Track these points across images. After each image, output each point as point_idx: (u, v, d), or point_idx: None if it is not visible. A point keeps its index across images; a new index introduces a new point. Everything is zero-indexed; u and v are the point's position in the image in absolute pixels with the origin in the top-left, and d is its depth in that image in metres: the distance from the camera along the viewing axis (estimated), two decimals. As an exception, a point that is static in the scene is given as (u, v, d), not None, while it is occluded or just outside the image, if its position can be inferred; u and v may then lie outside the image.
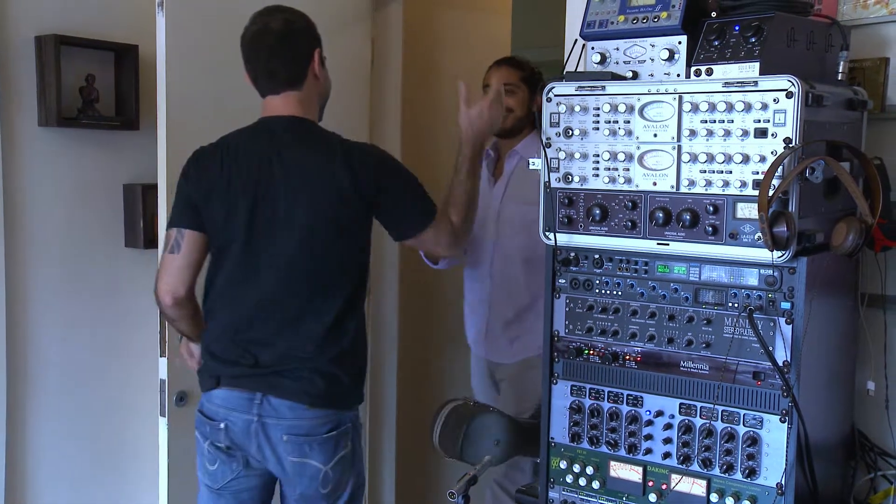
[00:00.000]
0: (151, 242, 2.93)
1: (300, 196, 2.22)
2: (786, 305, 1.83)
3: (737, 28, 1.86)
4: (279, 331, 2.26)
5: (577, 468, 2.10)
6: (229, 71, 2.77)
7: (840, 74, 2.03)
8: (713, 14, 1.92)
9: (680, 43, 1.93)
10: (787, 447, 1.84)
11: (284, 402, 2.21)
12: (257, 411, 2.21)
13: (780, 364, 1.83)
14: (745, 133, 1.80)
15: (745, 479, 1.89)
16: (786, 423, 1.84)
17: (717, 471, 1.92)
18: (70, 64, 2.79)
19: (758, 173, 1.79)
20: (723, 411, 1.91)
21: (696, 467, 1.95)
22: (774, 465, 1.86)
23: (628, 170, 1.96)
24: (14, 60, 2.71)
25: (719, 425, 1.92)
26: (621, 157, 1.96)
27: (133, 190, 2.97)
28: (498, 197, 3.04)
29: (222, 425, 2.24)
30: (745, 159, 1.81)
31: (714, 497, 1.92)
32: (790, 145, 1.75)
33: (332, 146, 2.26)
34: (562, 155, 2.04)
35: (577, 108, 2.00)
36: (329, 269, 2.27)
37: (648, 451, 2.01)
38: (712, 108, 1.83)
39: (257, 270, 2.25)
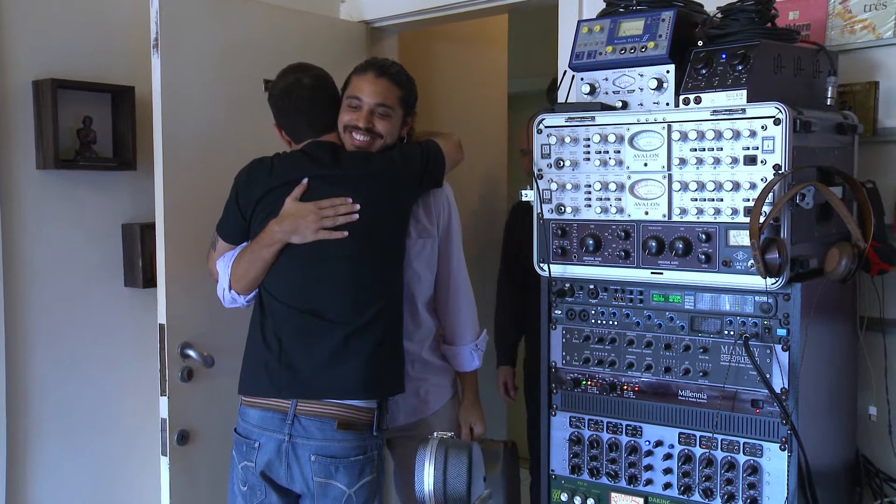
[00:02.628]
0: (150, 282, 2.93)
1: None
2: (781, 332, 1.82)
3: (723, 56, 1.87)
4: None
5: (578, 500, 2.08)
6: (224, 110, 2.80)
7: (829, 99, 2.03)
8: (700, 43, 1.93)
9: (668, 72, 1.94)
10: (787, 475, 1.82)
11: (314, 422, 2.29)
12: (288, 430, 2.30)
13: (778, 391, 1.81)
14: (735, 160, 1.81)
15: (747, 509, 1.87)
16: (786, 451, 1.82)
17: (718, 501, 1.90)
18: (67, 106, 2.80)
19: (749, 200, 1.79)
20: (722, 440, 1.90)
21: (697, 497, 1.93)
22: (776, 494, 1.84)
23: (620, 199, 1.96)
24: (12, 105, 2.73)
25: (719, 454, 1.90)
26: (613, 186, 1.96)
27: (131, 230, 2.97)
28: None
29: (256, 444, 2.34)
30: (736, 186, 1.81)
31: (716, 528, 1.90)
32: (780, 172, 1.76)
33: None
34: (554, 186, 2.04)
35: (567, 139, 2.01)
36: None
37: (649, 481, 1.99)
38: (701, 136, 1.83)
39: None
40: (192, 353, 2.70)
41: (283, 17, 3.03)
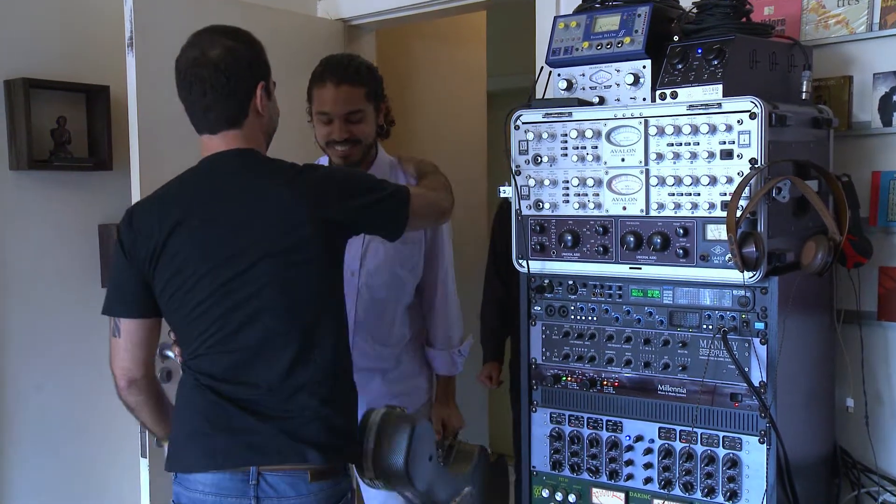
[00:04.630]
0: (128, 282, 2.92)
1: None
2: (759, 325, 1.83)
3: (699, 51, 1.88)
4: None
5: (559, 496, 2.08)
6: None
7: (804, 94, 2.04)
8: (675, 38, 1.94)
9: (644, 67, 1.95)
10: (766, 468, 1.83)
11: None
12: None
13: (756, 385, 1.82)
14: (712, 155, 1.81)
15: (726, 502, 1.88)
16: (765, 444, 1.83)
17: (698, 494, 1.91)
18: (40, 106, 2.78)
19: (726, 194, 1.80)
20: (702, 434, 1.90)
21: (677, 491, 1.94)
22: (756, 487, 1.85)
23: (598, 195, 1.96)
24: (-17, 105, 2.71)
25: (699, 448, 1.91)
26: (590, 182, 1.96)
27: (108, 230, 2.95)
28: (357, 237, 2.36)
29: None
30: (713, 181, 1.81)
31: (697, 521, 1.91)
32: (756, 166, 1.76)
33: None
34: (532, 182, 2.04)
35: (544, 135, 2.01)
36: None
37: (630, 476, 1.99)
38: (678, 130, 1.84)
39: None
40: (170, 353, 2.68)
41: (259, 14, 3.01)
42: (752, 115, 1.76)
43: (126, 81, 2.67)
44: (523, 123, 2.04)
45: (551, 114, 2.00)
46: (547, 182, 2.02)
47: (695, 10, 1.98)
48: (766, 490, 1.83)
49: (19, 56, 2.76)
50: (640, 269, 1.93)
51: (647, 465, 1.97)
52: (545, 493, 2.10)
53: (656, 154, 1.88)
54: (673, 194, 1.87)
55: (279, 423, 1.85)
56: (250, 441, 1.85)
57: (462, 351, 2.69)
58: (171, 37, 2.69)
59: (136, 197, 2.65)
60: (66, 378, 2.92)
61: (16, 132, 2.74)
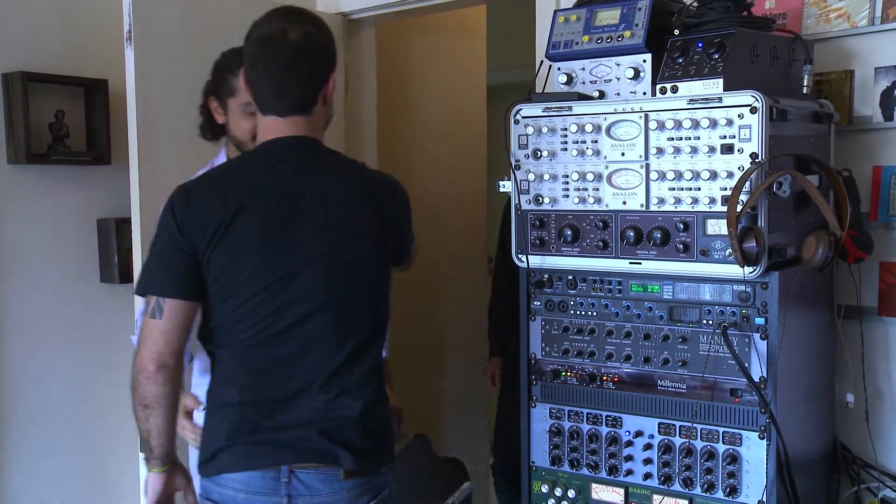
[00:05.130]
0: (126, 277, 2.90)
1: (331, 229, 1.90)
2: (760, 321, 1.82)
3: (700, 45, 1.87)
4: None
5: (558, 491, 2.08)
6: (199, 102, 2.76)
7: (805, 88, 2.03)
8: (676, 32, 1.93)
9: (644, 61, 1.94)
10: (766, 464, 1.83)
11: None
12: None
13: (757, 380, 1.82)
14: (712, 149, 1.80)
15: (726, 498, 1.87)
16: (765, 440, 1.83)
17: (698, 490, 1.91)
18: (39, 100, 2.77)
19: (726, 189, 1.79)
20: (702, 430, 1.90)
21: (677, 487, 1.93)
22: (755, 483, 1.84)
23: (598, 189, 1.95)
24: (-19, 98, 2.71)
25: (699, 444, 1.90)
26: (590, 176, 1.95)
27: (107, 224, 2.94)
28: None
29: None
30: (713, 175, 1.81)
31: (696, 517, 1.91)
32: (756, 160, 1.75)
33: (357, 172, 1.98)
34: (531, 177, 2.03)
35: (544, 130, 2.00)
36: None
37: (629, 472, 1.99)
38: (678, 125, 1.83)
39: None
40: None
41: (258, 8, 2.99)
42: (753, 110, 1.75)
43: (125, 75, 2.66)
44: (523, 118, 2.03)
45: (551, 108, 1.99)
46: (547, 176, 2.01)
47: (695, 4, 1.97)
48: (765, 485, 1.83)
49: (17, 49, 2.75)
50: (639, 263, 1.92)
51: (647, 461, 1.96)
52: (545, 489, 2.09)
53: (656, 148, 1.87)
54: (673, 189, 1.86)
55: (317, 424, 1.82)
56: (285, 440, 1.81)
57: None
58: (169, 31, 2.70)
59: (135, 191, 2.64)
60: (65, 372, 2.92)
61: (14, 126, 2.73)
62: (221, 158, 2.38)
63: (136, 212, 2.65)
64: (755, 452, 1.84)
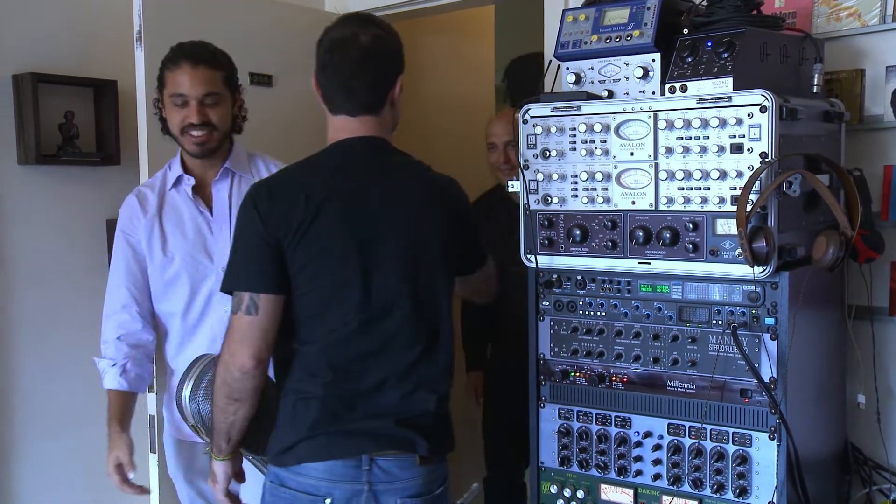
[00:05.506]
0: (136, 277, 2.92)
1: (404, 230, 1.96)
2: (770, 321, 1.81)
3: (709, 44, 1.86)
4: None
5: (567, 492, 2.07)
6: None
7: (815, 87, 2.02)
8: (685, 31, 1.92)
9: (654, 60, 1.93)
10: (776, 465, 1.82)
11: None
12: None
13: (767, 381, 1.81)
14: (721, 149, 1.79)
15: (736, 499, 1.87)
16: (775, 441, 1.82)
17: (707, 491, 1.90)
18: (48, 101, 2.78)
19: (736, 189, 1.78)
20: (711, 430, 1.89)
21: (686, 488, 1.92)
22: (765, 484, 1.84)
23: (607, 189, 1.95)
24: (-9, 99, 2.72)
25: (708, 445, 1.89)
26: (599, 176, 1.94)
27: (116, 225, 2.96)
28: (224, 231, 2.38)
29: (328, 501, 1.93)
30: (723, 175, 1.80)
31: (706, 518, 1.90)
32: (766, 160, 1.74)
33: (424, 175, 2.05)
34: (540, 176, 2.02)
35: (553, 129, 1.99)
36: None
37: (639, 472, 1.98)
38: (687, 124, 1.82)
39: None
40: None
41: (267, 8, 3.01)
42: (763, 109, 1.74)
43: (134, 76, 2.66)
44: (532, 117, 2.03)
45: (560, 108, 1.99)
46: (555, 176, 2.00)
47: (704, 3, 1.96)
48: (776, 486, 1.82)
49: (27, 50, 2.76)
50: (648, 263, 1.92)
51: (657, 462, 1.96)
52: (553, 489, 2.09)
53: (666, 148, 1.86)
54: (682, 188, 1.85)
55: (395, 415, 1.89)
56: (365, 430, 1.88)
57: None
58: (179, 31, 2.70)
59: (143, 192, 2.65)
60: (74, 371, 2.92)
61: (24, 127, 2.74)
62: (176, 161, 2.43)
63: (145, 212, 2.66)
64: (765, 453, 1.83)
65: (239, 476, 2.07)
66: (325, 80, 1.94)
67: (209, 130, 2.31)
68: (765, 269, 1.76)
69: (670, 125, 1.85)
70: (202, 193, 2.43)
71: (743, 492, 1.85)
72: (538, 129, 2.01)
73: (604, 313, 2.02)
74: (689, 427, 1.91)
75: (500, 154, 3.00)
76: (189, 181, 2.41)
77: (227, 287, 1.89)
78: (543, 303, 2.09)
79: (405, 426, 1.90)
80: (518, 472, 3.19)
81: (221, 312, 2.31)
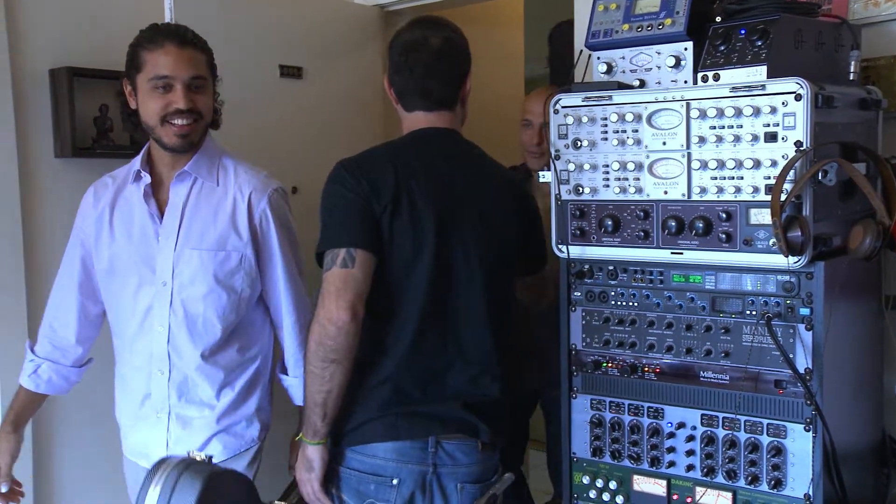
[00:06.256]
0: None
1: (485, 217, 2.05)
2: (805, 311, 1.79)
3: (742, 32, 1.84)
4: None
5: (600, 483, 2.07)
6: (240, 95, 2.79)
7: (852, 74, 1.99)
8: (718, 19, 1.90)
9: (686, 49, 1.91)
10: (812, 456, 1.80)
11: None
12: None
13: (802, 372, 1.79)
14: (755, 138, 1.77)
15: (771, 491, 1.85)
16: (810, 432, 1.80)
17: (742, 482, 1.88)
18: (84, 95, 2.81)
19: (770, 178, 1.76)
20: (745, 421, 1.88)
21: (720, 479, 1.91)
22: (801, 476, 1.82)
23: (639, 179, 1.93)
24: (29, 93, 2.75)
25: (742, 436, 1.88)
26: (631, 166, 1.93)
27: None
28: (170, 241, 2.17)
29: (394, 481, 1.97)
30: (757, 164, 1.78)
31: (740, 509, 1.89)
32: (801, 148, 1.72)
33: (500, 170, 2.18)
34: (571, 167, 2.02)
35: (584, 119, 1.98)
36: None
37: (671, 463, 1.97)
38: (720, 113, 1.80)
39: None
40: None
41: (296, 2, 3.02)
42: (798, 97, 1.72)
43: (166, 69, 2.68)
44: (563, 107, 2.02)
45: (591, 97, 1.98)
46: (587, 166, 2.00)
47: (738, -10, 1.94)
48: (812, 478, 1.80)
49: (63, 46, 2.80)
50: (681, 254, 1.90)
51: (690, 453, 1.95)
52: (585, 480, 2.09)
53: (698, 137, 1.85)
54: (715, 178, 1.84)
55: (462, 399, 1.98)
56: (433, 413, 1.96)
57: None
58: (209, 26, 2.71)
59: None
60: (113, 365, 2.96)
61: (60, 120, 2.77)
62: (143, 152, 2.25)
63: (176, 205, 2.68)
64: (801, 445, 1.81)
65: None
66: (400, 81, 2.05)
67: (195, 119, 2.11)
68: (800, 259, 1.74)
69: (703, 114, 1.83)
70: (160, 195, 2.21)
71: (778, 483, 1.84)
72: (569, 119, 2.00)
73: (636, 303, 2.01)
74: (723, 418, 1.90)
75: (535, 134, 2.84)
76: (145, 178, 2.18)
77: (323, 246, 1.93)
78: (575, 293, 2.08)
79: (471, 411, 1.97)
80: (516, 458, 3.03)
81: (158, 331, 2.19)
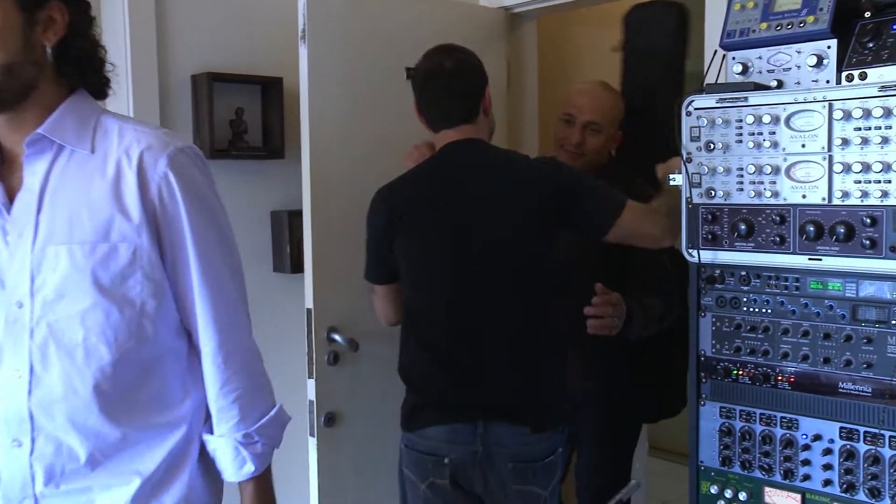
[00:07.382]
0: (298, 267, 3.02)
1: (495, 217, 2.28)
2: (957, 323, 1.70)
3: (894, 27, 1.76)
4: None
5: (728, 493, 2.02)
6: (368, 98, 2.85)
7: None
8: (866, 14, 1.82)
9: (829, 47, 1.84)
10: (962, 476, 1.71)
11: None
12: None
13: (953, 386, 1.70)
14: (905, 139, 1.69)
15: (916, 511, 1.76)
16: (961, 451, 1.71)
17: (887, 501, 1.80)
18: (221, 99, 2.93)
19: (920, 182, 1.68)
20: (890, 437, 1.79)
21: (862, 496, 1.83)
22: (950, 496, 1.73)
23: (775, 183, 1.88)
24: (173, 98, 2.89)
25: (887, 452, 1.80)
26: (767, 169, 1.88)
27: (280, 216, 3.08)
28: (24, 239, 1.45)
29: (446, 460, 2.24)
30: (906, 167, 1.70)
31: (882, 528, 1.80)
32: (956, 151, 1.63)
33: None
34: (703, 170, 1.97)
35: (718, 121, 1.94)
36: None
37: (807, 476, 1.90)
38: (867, 114, 1.73)
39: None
40: (337, 337, 2.77)
41: (423, 4, 3.06)
42: (953, 96, 1.63)
43: (298, 73, 2.77)
44: (695, 109, 1.98)
45: (725, 99, 1.93)
46: (720, 170, 1.95)
47: (887, -15, 1.86)
48: (961, 499, 1.71)
49: (203, 52, 2.93)
50: (819, 260, 1.83)
51: (827, 466, 1.87)
52: (713, 490, 2.04)
53: (841, 139, 1.77)
54: (860, 182, 1.76)
55: (503, 390, 2.22)
56: (479, 401, 2.22)
57: (262, 434, 1.60)
58: (341, 29, 2.80)
59: (306, 185, 2.76)
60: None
61: (200, 123, 2.90)
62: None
63: (307, 205, 2.76)
64: (950, 463, 1.72)
65: None
66: (425, 107, 2.35)
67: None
68: (953, 268, 1.65)
69: (847, 115, 1.76)
70: (12, 178, 1.49)
71: (924, 503, 1.75)
72: (703, 122, 1.96)
73: (769, 310, 1.95)
74: (864, 432, 1.82)
75: (576, 133, 2.64)
76: None
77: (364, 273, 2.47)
78: (705, 299, 2.04)
79: (515, 396, 2.21)
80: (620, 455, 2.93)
81: (13, 380, 1.44)
